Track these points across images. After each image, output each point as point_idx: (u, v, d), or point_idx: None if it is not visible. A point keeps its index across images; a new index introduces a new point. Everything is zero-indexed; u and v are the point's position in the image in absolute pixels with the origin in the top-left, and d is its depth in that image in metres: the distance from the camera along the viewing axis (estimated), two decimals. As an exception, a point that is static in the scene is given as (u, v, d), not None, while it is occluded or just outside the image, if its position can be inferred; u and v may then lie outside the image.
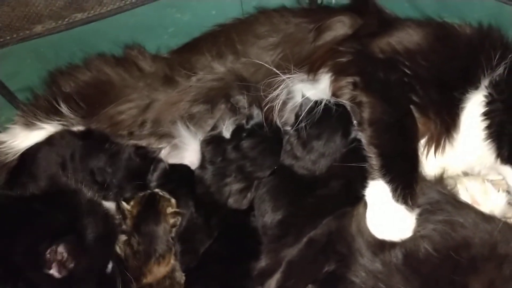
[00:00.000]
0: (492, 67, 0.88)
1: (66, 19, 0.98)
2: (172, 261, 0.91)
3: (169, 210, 0.92)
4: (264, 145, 0.96)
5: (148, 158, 1.01)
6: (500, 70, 0.88)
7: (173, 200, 0.95)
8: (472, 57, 0.89)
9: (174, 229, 0.91)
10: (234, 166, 0.96)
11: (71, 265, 0.76)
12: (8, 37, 0.99)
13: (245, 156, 0.96)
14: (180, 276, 0.91)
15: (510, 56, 0.88)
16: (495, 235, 0.79)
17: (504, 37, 0.90)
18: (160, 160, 1.01)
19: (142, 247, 0.90)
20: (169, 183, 0.99)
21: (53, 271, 0.75)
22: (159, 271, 0.89)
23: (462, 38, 0.91)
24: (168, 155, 1.01)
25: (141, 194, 0.96)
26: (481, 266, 0.76)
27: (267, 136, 0.97)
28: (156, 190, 0.96)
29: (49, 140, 0.97)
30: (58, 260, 0.75)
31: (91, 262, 0.80)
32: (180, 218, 0.92)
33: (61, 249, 0.75)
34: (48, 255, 0.74)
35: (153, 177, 1.00)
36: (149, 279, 0.89)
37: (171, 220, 0.91)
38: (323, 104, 0.95)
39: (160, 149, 1.01)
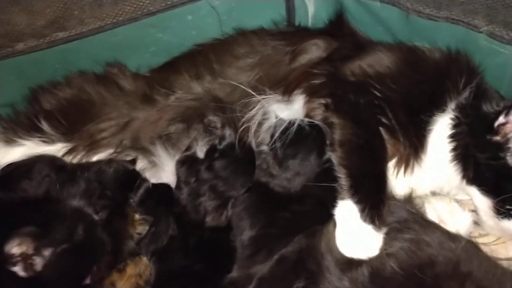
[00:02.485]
0: (458, 91, 0.92)
1: (48, 38, 1.00)
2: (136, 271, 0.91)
3: (137, 217, 0.93)
4: (235, 165, 0.98)
5: (128, 173, 1.02)
6: (466, 94, 0.92)
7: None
8: (439, 81, 0.93)
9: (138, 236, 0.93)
10: (207, 185, 0.97)
11: (39, 266, 0.75)
12: (-11, 55, 1.01)
13: (217, 176, 0.97)
14: None
15: (475, 80, 0.92)
16: (458, 253, 0.83)
17: (470, 62, 0.93)
18: (145, 179, 1.02)
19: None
20: (149, 202, 1.00)
21: (18, 269, 0.74)
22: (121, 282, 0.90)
23: (430, 62, 0.95)
24: (147, 173, 1.03)
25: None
26: (445, 284, 0.78)
27: (239, 157, 0.99)
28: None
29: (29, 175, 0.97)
30: (21, 255, 0.74)
31: (64, 269, 0.80)
32: (147, 227, 0.94)
33: (21, 241, 0.74)
34: (10, 249, 0.74)
35: (137, 195, 1.01)
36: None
37: (139, 227, 0.92)
38: (296, 124, 0.97)
39: (135, 160, 1.03)
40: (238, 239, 0.97)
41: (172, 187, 1.03)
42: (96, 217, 0.88)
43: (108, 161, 1.00)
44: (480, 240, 0.94)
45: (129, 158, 1.05)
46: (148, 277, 0.91)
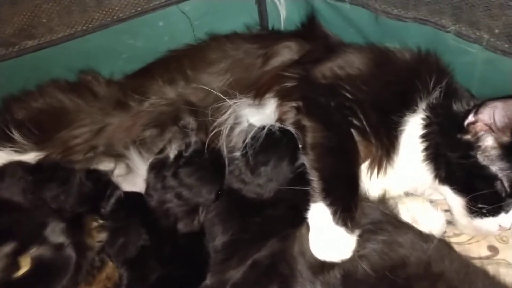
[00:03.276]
0: (428, 91, 0.92)
1: (17, 46, 0.99)
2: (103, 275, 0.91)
3: (94, 224, 0.92)
4: (201, 173, 0.97)
5: (100, 181, 1.01)
6: (436, 93, 0.92)
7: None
8: (409, 82, 0.93)
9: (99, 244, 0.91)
10: (173, 193, 0.97)
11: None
12: (-41, 64, 0.99)
13: (182, 184, 0.97)
14: None
15: (445, 80, 0.92)
16: (430, 253, 0.82)
17: (439, 61, 0.94)
18: (116, 188, 1.01)
19: None
20: (121, 210, 0.99)
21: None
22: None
23: (400, 63, 0.95)
24: (121, 180, 1.02)
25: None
26: (416, 285, 0.78)
27: (206, 164, 0.98)
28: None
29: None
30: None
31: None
32: (106, 234, 0.93)
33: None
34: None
35: (108, 204, 1.00)
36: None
37: (99, 235, 0.91)
38: (266, 129, 0.96)
39: (111, 171, 1.01)
40: (211, 245, 0.96)
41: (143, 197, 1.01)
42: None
43: (86, 171, 0.99)
44: (453, 240, 0.94)
45: (103, 165, 1.04)
46: (117, 280, 0.91)
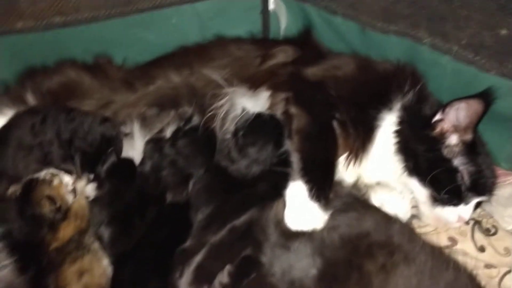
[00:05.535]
0: (403, 94, 1.03)
1: (45, 20, 1.11)
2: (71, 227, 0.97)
3: (47, 192, 0.97)
4: (196, 146, 1.07)
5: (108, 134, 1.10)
6: (409, 96, 1.03)
7: (56, 180, 1.01)
8: (387, 84, 1.04)
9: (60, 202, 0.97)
10: (168, 160, 1.06)
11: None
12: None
13: (178, 153, 1.07)
14: (90, 240, 0.97)
15: (418, 86, 1.04)
16: (393, 230, 0.90)
17: (415, 70, 1.06)
18: (111, 153, 1.08)
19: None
20: (113, 173, 1.07)
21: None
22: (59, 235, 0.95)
23: (380, 68, 1.07)
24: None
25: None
26: (377, 252, 0.85)
27: (201, 139, 1.08)
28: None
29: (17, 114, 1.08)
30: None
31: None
32: (73, 195, 0.99)
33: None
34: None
35: (103, 168, 1.08)
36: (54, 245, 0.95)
37: (47, 204, 0.96)
38: (258, 116, 1.07)
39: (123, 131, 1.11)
40: (194, 215, 1.03)
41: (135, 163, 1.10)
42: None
43: (104, 119, 1.09)
44: (417, 231, 1.02)
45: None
46: (88, 216, 0.98)
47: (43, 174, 0.99)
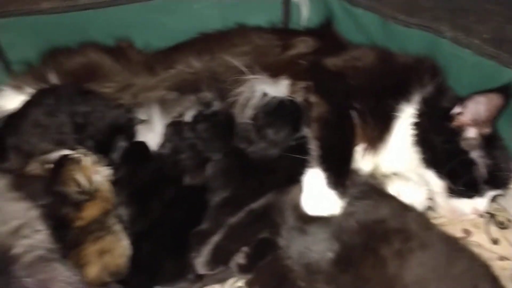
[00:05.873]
0: (422, 86, 1.04)
1: (72, 1, 1.14)
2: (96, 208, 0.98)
3: (76, 172, 0.98)
4: (215, 130, 1.09)
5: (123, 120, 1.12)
6: (428, 89, 1.04)
7: (86, 161, 1.01)
8: (407, 76, 1.05)
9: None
10: (187, 143, 1.08)
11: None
12: (13, 9, 1.13)
13: (198, 136, 1.09)
14: (112, 222, 0.98)
15: (437, 79, 1.05)
16: (409, 218, 0.91)
17: (435, 63, 1.06)
18: (121, 140, 1.10)
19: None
20: (129, 156, 1.10)
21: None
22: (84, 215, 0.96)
23: (401, 60, 1.08)
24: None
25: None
26: (392, 237, 0.86)
27: (221, 124, 1.10)
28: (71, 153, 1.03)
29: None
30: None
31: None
32: (100, 174, 1.00)
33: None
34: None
35: (116, 155, 1.10)
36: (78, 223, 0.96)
37: (77, 178, 0.97)
38: (278, 100, 1.09)
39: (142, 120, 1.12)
40: (211, 198, 1.05)
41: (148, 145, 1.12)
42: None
43: (119, 105, 1.11)
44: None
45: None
46: (113, 199, 1.00)
47: (75, 153, 1.01)
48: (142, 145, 1.10)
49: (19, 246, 0.71)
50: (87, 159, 0.99)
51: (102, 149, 1.05)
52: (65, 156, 0.98)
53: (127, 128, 1.09)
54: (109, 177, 1.03)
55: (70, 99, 1.07)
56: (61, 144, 1.07)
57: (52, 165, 0.99)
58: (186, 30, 1.25)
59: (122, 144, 1.10)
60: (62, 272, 0.78)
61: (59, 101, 1.07)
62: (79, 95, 1.08)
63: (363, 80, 1.06)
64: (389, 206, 0.94)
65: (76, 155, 0.99)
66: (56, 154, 1.01)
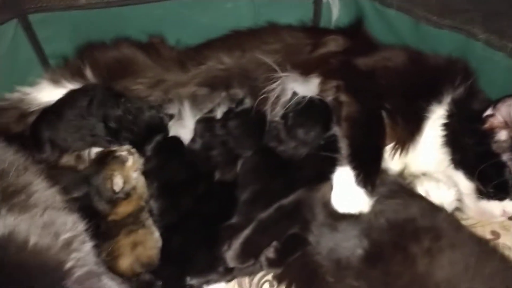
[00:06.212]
0: (454, 87, 1.04)
1: (109, -3, 1.17)
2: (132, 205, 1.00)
3: (117, 170, 1.00)
4: (247, 127, 1.11)
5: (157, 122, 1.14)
6: (460, 90, 1.04)
7: (130, 162, 1.03)
8: (438, 77, 1.06)
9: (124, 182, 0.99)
10: (219, 140, 1.10)
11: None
12: (52, 4, 1.16)
13: (229, 133, 1.11)
14: (145, 216, 1.00)
15: (469, 81, 1.05)
16: (439, 218, 0.92)
17: (467, 65, 1.07)
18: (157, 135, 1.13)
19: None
20: (162, 151, 1.12)
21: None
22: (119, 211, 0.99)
23: (432, 61, 1.09)
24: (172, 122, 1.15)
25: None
26: (422, 236, 0.87)
27: (252, 121, 1.12)
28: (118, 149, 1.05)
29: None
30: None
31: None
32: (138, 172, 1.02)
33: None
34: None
35: (149, 148, 1.12)
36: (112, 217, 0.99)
37: (116, 180, 0.99)
38: (308, 99, 1.10)
39: (172, 116, 1.14)
40: (241, 195, 1.06)
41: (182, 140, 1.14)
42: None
43: (150, 106, 1.13)
44: (461, 223, 1.03)
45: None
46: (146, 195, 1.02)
47: (121, 150, 1.03)
48: (177, 140, 1.13)
49: (71, 260, 0.70)
50: (131, 159, 1.02)
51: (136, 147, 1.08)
52: (112, 152, 1.01)
53: (160, 127, 1.12)
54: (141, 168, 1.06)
55: (102, 101, 1.10)
56: (94, 144, 1.11)
57: (95, 157, 1.01)
58: (218, 27, 1.27)
59: (158, 138, 1.12)
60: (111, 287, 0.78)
61: (91, 104, 1.10)
62: (112, 98, 1.11)
63: (394, 80, 1.07)
64: (419, 205, 0.95)
65: (123, 154, 1.01)
66: (98, 149, 1.04)
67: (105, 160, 1.00)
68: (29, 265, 0.65)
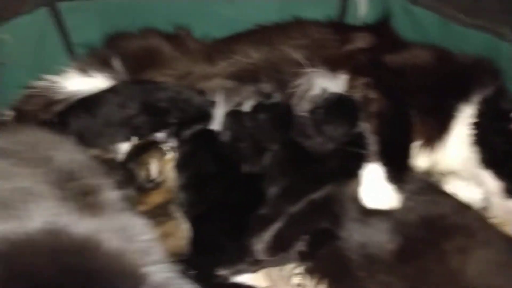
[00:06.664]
0: (482, 87, 1.05)
1: (138, -10, 1.17)
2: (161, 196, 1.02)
3: (152, 162, 1.02)
4: (275, 122, 1.11)
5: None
6: (489, 90, 1.05)
7: (169, 155, 1.05)
8: (467, 76, 1.07)
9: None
10: (247, 133, 1.11)
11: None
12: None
13: (257, 127, 1.11)
14: (173, 209, 1.01)
15: (497, 82, 1.06)
16: (469, 216, 0.94)
17: (495, 65, 1.08)
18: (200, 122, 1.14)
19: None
20: (194, 140, 1.12)
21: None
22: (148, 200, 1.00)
23: (460, 61, 1.10)
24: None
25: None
26: (455, 233, 0.89)
27: (280, 115, 1.12)
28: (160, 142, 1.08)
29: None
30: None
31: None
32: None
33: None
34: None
35: (186, 133, 1.12)
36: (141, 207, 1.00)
37: (153, 168, 1.01)
38: (336, 96, 1.11)
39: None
40: (269, 187, 1.06)
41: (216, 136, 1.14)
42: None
43: (200, 92, 1.14)
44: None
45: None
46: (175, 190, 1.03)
47: (164, 145, 1.04)
48: (212, 133, 1.13)
49: (146, 265, 0.67)
50: (171, 154, 1.03)
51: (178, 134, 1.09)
52: (156, 143, 1.01)
53: (207, 114, 1.13)
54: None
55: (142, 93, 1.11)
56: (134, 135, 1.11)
57: (136, 144, 1.02)
58: (244, 21, 1.27)
59: (199, 126, 1.13)
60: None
61: (126, 100, 1.10)
62: (151, 83, 1.12)
63: (423, 78, 1.08)
64: (449, 202, 0.96)
65: (165, 147, 1.02)
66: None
67: (147, 147, 1.00)
68: (107, 270, 0.63)
